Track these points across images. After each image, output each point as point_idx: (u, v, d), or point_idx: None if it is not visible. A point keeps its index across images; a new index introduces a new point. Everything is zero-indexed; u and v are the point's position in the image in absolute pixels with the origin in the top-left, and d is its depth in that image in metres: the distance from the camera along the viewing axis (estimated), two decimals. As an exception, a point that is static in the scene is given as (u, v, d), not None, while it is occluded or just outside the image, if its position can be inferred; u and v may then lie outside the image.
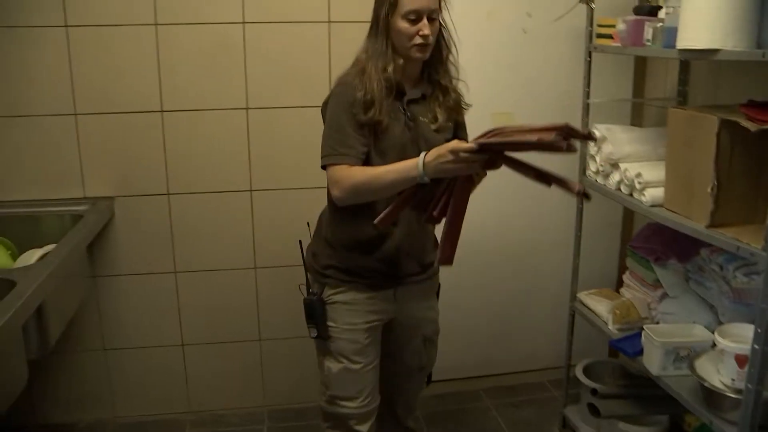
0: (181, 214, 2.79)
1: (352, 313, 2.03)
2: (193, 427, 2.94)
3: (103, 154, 2.69)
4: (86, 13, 2.56)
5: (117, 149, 2.70)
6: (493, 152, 1.68)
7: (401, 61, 1.89)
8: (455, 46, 2.00)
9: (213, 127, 2.72)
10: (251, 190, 2.80)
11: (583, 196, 1.73)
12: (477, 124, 2.96)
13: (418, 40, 1.85)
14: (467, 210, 1.79)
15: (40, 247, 2.35)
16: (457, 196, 1.74)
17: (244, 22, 2.64)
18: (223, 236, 2.84)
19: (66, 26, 2.56)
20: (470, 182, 1.76)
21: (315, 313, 2.03)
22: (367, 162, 1.89)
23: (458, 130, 2.08)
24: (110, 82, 2.63)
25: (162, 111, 2.68)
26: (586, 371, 2.77)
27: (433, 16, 1.85)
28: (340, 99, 1.89)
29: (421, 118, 1.95)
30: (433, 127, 1.96)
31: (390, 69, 1.87)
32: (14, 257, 2.40)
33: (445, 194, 1.76)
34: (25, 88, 2.59)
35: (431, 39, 1.86)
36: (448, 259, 1.78)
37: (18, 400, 1.93)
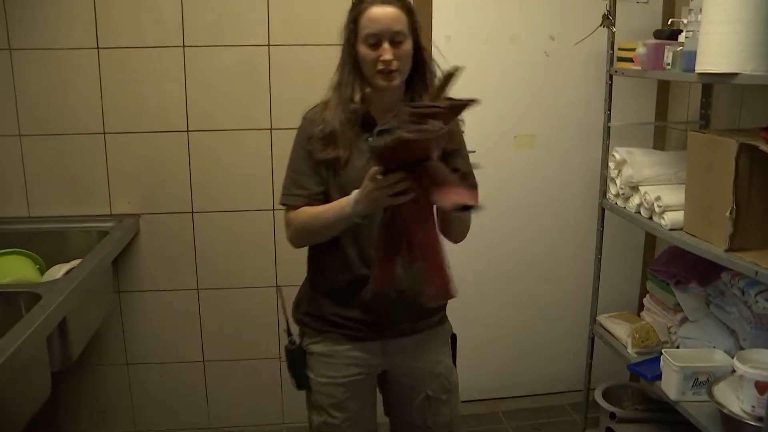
0: (205, 232, 2.83)
1: (329, 365, 1.85)
2: (213, 443, 2.97)
3: (130, 172, 2.75)
4: (117, 36, 2.63)
5: (143, 168, 2.75)
6: (406, 166, 1.48)
7: (369, 89, 1.75)
8: (440, 68, 1.76)
9: (237, 147, 2.77)
10: (274, 209, 2.83)
11: (462, 209, 1.46)
12: (500, 146, 3.03)
13: (379, 66, 1.67)
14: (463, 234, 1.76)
15: (67, 261, 2.40)
16: (418, 229, 1.55)
17: (269, 45, 2.69)
18: (245, 254, 2.88)
19: (97, 48, 2.63)
20: (423, 211, 1.55)
21: (293, 362, 1.87)
22: (327, 199, 1.75)
23: (453, 160, 1.79)
24: (138, 103, 2.69)
25: (188, 131, 2.74)
26: (606, 395, 2.75)
27: (396, 39, 1.66)
28: (299, 136, 1.80)
29: None
30: None
31: (356, 99, 1.74)
32: (42, 271, 2.46)
33: (404, 231, 1.56)
34: (56, 107, 2.66)
35: (396, 65, 1.67)
36: (441, 295, 1.60)
37: (41, 412, 1.97)
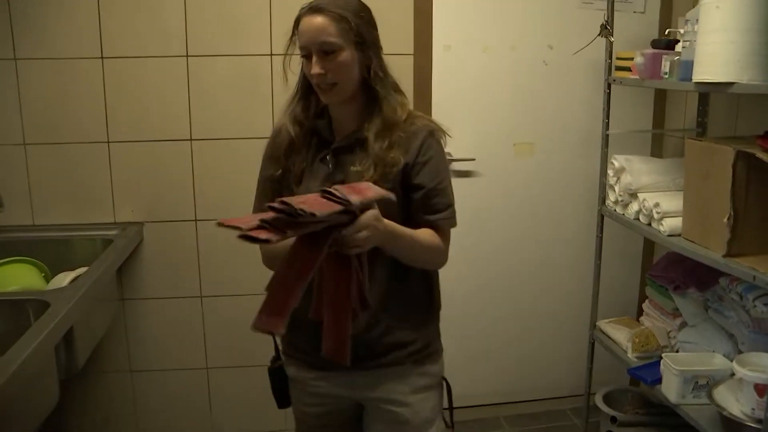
0: (208, 240, 2.86)
1: (298, 391, 1.80)
2: (216, 449, 2.98)
3: (133, 181, 2.77)
4: (121, 46, 2.66)
5: (147, 176, 2.78)
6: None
7: (321, 104, 1.66)
8: (392, 79, 1.65)
9: (240, 155, 2.79)
10: (276, 217, 2.85)
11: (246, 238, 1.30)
12: (499, 154, 3.06)
13: (313, 80, 1.57)
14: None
15: (72, 269, 2.42)
16: (332, 282, 1.45)
17: (271, 54, 2.72)
18: (248, 262, 2.87)
19: (102, 58, 2.66)
20: (338, 264, 1.43)
21: (272, 381, 1.82)
22: None
23: (414, 174, 1.63)
24: (142, 111, 2.72)
25: (191, 139, 2.77)
26: (606, 399, 2.78)
27: (325, 49, 1.53)
28: (263, 153, 1.75)
29: (353, 168, 1.60)
30: (365, 178, 1.57)
31: (310, 113, 1.67)
32: (47, 279, 2.48)
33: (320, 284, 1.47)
34: (60, 116, 2.69)
35: (331, 77, 1.55)
36: (333, 354, 1.46)
37: (47, 420, 1.99)
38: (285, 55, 1.62)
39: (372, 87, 1.62)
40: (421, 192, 1.62)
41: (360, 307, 1.46)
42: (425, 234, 1.61)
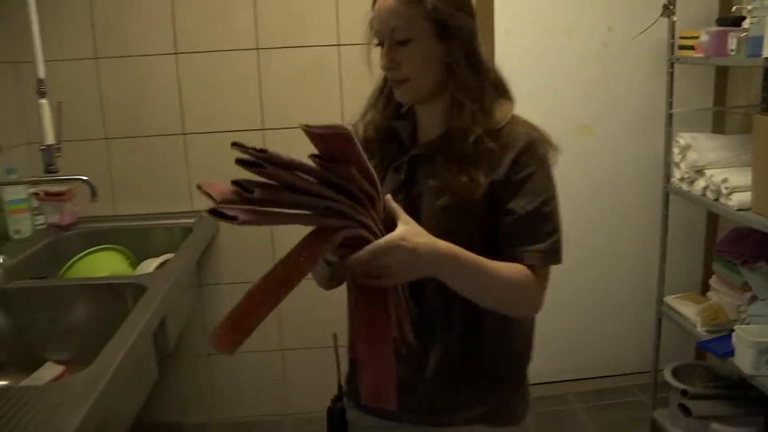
0: (283, 230, 2.94)
1: None
2: (291, 428, 3.09)
3: (209, 170, 2.88)
4: (193, 41, 2.77)
5: (222, 166, 2.86)
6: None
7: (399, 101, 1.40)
8: (493, 76, 1.36)
9: (310, 144, 2.87)
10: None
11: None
12: (559, 137, 3.07)
13: (386, 73, 1.35)
14: None
15: (156, 257, 2.55)
16: (372, 314, 1.20)
17: (339, 45, 2.81)
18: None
19: (176, 53, 2.77)
20: (375, 297, 1.19)
21: (329, 423, 1.52)
22: None
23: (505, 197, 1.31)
24: (215, 104, 2.83)
25: (263, 129, 2.87)
26: (675, 373, 2.82)
27: (397, 37, 1.29)
28: None
29: (432, 182, 1.32)
30: (438, 201, 1.30)
31: (377, 115, 1.44)
32: (133, 266, 2.60)
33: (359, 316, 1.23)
34: (139, 110, 2.82)
35: (406, 72, 1.31)
36: (374, 398, 1.18)
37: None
38: (367, 44, 1.39)
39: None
40: (511, 218, 1.29)
41: (401, 343, 1.23)
42: (509, 269, 1.26)
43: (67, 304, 2.09)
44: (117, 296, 2.12)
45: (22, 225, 2.58)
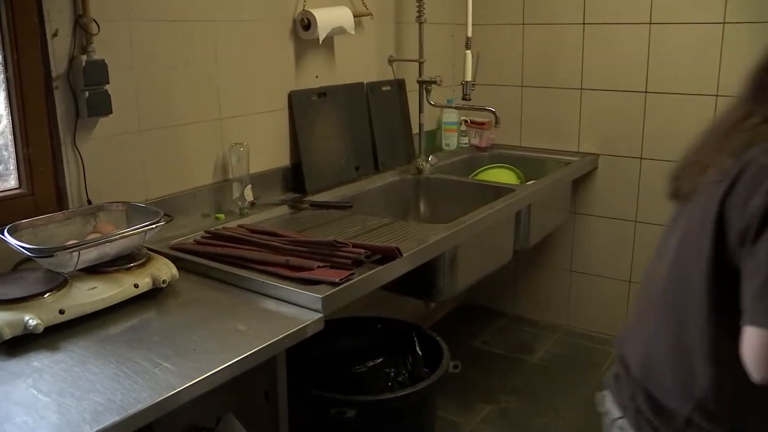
0: (648, 176, 3.45)
1: None
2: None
3: (596, 120, 3.53)
4: (599, 14, 3.41)
5: (607, 117, 3.51)
6: None
7: None
8: None
9: (684, 109, 3.29)
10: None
11: None
12: None
13: None
14: None
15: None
16: None
17: (724, 23, 3.14)
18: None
19: (583, 24, 3.46)
20: None
21: None
22: None
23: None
24: (609, 67, 3.44)
25: (646, 92, 3.37)
26: None
27: None
28: None
29: None
30: None
31: None
32: (522, 183, 3.43)
33: None
34: (548, 67, 3.60)
35: None
36: None
37: (504, 293, 2.81)
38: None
39: None
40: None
41: None
42: None
43: (468, 195, 3.03)
44: (498, 197, 2.94)
45: (451, 140, 3.61)
